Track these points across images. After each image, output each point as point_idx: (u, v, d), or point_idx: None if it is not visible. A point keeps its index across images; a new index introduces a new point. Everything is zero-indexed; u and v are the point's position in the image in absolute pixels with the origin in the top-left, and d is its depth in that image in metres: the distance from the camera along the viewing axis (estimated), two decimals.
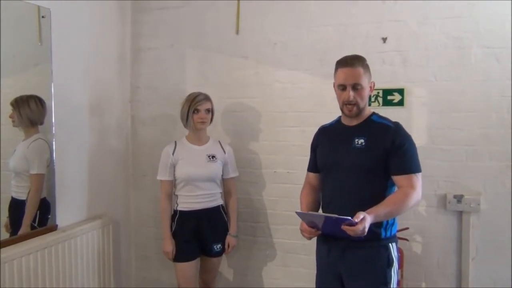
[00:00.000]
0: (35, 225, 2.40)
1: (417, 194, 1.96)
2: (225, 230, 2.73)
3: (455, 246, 2.69)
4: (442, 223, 2.71)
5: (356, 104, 2.01)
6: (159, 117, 3.25)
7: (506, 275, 2.59)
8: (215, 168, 2.67)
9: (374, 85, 2.11)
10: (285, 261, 3.06)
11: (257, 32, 3.01)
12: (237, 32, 3.05)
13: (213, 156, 2.66)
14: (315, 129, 2.84)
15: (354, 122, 2.09)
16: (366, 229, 1.77)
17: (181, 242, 2.62)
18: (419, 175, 2.00)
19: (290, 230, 3.00)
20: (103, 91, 3.02)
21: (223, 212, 2.73)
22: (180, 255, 2.62)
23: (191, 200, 2.62)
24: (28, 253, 2.22)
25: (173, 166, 2.63)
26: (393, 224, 2.05)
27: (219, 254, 2.72)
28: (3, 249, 2.11)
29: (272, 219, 3.06)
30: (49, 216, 2.51)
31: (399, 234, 2.56)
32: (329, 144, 2.18)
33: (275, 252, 3.08)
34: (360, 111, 2.05)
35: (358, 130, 2.07)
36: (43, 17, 2.44)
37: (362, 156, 2.02)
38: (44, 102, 2.46)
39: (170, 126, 3.18)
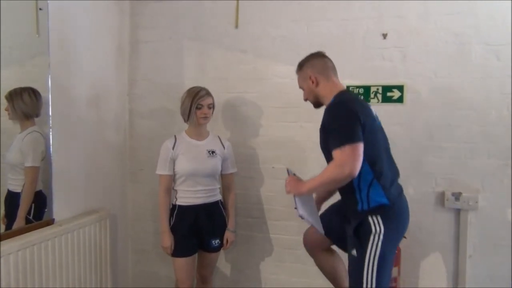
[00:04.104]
0: (30, 218, 2.38)
1: (337, 167, 1.94)
2: (223, 226, 2.72)
3: (453, 244, 2.69)
4: (440, 220, 2.71)
5: (309, 100, 2.33)
6: (157, 111, 3.23)
7: (503, 273, 2.60)
8: (216, 164, 2.66)
9: (312, 77, 2.24)
10: (282, 257, 3.06)
11: (256, 26, 2.99)
12: (236, 26, 3.02)
13: (213, 152, 2.65)
14: (313, 125, 2.82)
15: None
16: (288, 189, 2.16)
17: (180, 237, 2.61)
18: (346, 147, 1.92)
19: (288, 226, 3.01)
20: (101, 83, 2.99)
21: (222, 208, 2.72)
22: (179, 250, 2.61)
23: (190, 195, 2.61)
24: (25, 247, 2.19)
25: (173, 161, 2.61)
26: (367, 196, 2.07)
27: (217, 249, 2.72)
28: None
29: (270, 215, 3.06)
30: (46, 210, 2.50)
31: None
32: None
33: (272, 248, 3.08)
34: (317, 103, 2.32)
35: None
36: (40, 9, 2.42)
37: (320, 139, 2.21)
38: (39, 94, 2.43)
39: (168, 120, 3.16)
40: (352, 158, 1.92)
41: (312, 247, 2.54)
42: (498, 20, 2.55)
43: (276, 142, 3.00)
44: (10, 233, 2.23)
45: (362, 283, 2.08)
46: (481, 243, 2.64)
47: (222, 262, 3.16)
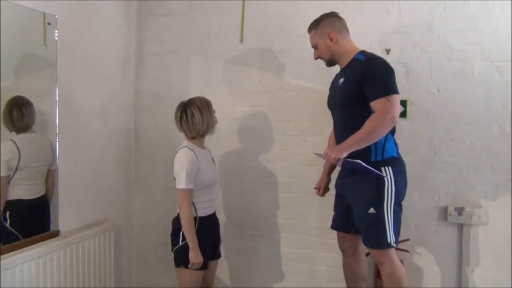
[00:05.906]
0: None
1: (385, 114, 2.11)
2: None
3: (455, 258, 2.69)
4: (442, 235, 2.71)
5: (322, 58, 2.42)
6: (162, 123, 3.25)
7: None
8: (217, 171, 2.72)
9: (332, 34, 2.34)
10: (284, 270, 3.07)
11: (261, 40, 3.02)
12: (241, 40, 3.05)
13: (213, 159, 2.67)
14: (317, 139, 2.85)
15: (343, 65, 2.39)
16: (334, 155, 2.13)
17: (203, 248, 2.48)
18: (391, 96, 2.13)
19: (290, 239, 3.02)
20: (107, 96, 3.03)
21: None
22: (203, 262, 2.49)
23: (208, 204, 2.55)
24: (30, 259, 2.22)
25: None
26: (383, 149, 2.25)
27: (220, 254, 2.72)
28: (4, 255, 2.12)
29: (273, 227, 3.07)
30: (52, 222, 2.52)
31: (399, 245, 2.58)
32: (331, 87, 2.54)
33: (274, 261, 3.08)
34: (330, 61, 2.42)
35: (343, 71, 2.39)
36: (49, 24, 2.45)
37: (340, 93, 2.33)
38: (12, 108, 2.31)
39: (173, 132, 3.17)
40: (396, 107, 2.14)
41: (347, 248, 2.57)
42: (501, 37, 2.57)
43: (279, 155, 3.02)
44: (15, 245, 2.25)
45: (387, 238, 2.21)
46: (484, 258, 2.64)
47: (225, 274, 3.17)
